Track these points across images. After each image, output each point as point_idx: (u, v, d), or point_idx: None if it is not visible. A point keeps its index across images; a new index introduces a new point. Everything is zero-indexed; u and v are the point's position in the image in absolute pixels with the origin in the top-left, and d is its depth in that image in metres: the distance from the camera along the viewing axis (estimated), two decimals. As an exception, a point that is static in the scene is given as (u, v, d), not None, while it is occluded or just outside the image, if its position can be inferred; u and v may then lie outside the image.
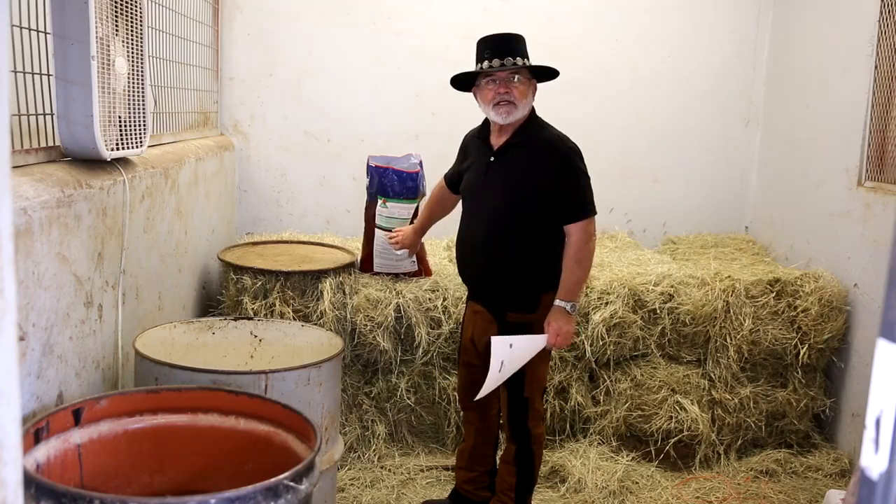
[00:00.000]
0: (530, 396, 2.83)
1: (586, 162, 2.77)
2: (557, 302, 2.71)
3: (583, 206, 2.70)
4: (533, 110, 2.81)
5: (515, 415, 2.85)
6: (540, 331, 2.74)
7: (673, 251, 4.60)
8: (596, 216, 2.74)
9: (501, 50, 2.68)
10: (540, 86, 2.83)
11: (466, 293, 3.11)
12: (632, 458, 3.61)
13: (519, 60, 2.69)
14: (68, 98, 2.04)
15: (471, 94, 2.89)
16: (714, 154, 4.94)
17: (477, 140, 2.92)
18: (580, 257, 2.69)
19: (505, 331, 2.76)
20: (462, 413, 3.17)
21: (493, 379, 2.69)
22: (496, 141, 2.82)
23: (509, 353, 2.66)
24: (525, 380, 2.78)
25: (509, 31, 2.78)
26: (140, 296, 2.67)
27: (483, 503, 3.09)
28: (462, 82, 2.85)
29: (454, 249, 3.28)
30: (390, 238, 3.41)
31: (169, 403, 1.96)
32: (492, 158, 2.80)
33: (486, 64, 2.69)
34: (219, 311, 3.55)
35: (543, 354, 2.79)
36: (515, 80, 2.69)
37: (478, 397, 2.79)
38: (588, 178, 2.75)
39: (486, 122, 2.90)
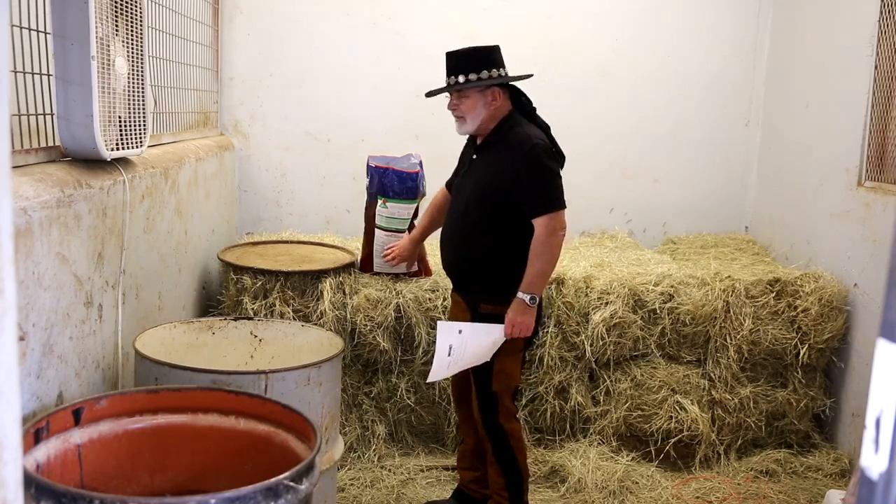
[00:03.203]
0: (499, 391, 2.86)
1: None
2: (518, 294, 2.76)
3: (545, 201, 2.75)
4: (512, 110, 2.88)
5: (485, 409, 2.89)
6: None
7: (673, 251, 4.60)
8: (564, 211, 2.78)
9: (451, 68, 2.83)
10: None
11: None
12: (632, 458, 3.60)
13: (462, 78, 2.80)
14: (68, 98, 2.04)
15: None
16: (714, 154, 4.94)
17: (469, 139, 3.05)
18: (541, 251, 2.74)
19: (478, 321, 2.82)
20: (457, 412, 3.19)
21: (443, 363, 2.74)
22: (480, 140, 2.95)
23: (459, 339, 2.72)
24: (492, 374, 2.83)
25: (463, 47, 2.86)
26: (140, 296, 2.67)
27: (486, 501, 3.09)
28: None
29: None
30: (385, 256, 3.46)
31: (169, 403, 1.96)
32: (474, 156, 2.94)
33: (440, 84, 2.86)
34: (219, 311, 3.54)
35: (512, 351, 2.83)
36: (463, 96, 2.82)
37: (428, 380, 2.87)
38: (555, 173, 2.79)
39: None
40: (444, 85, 2.86)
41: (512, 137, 2.82)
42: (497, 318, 2.79)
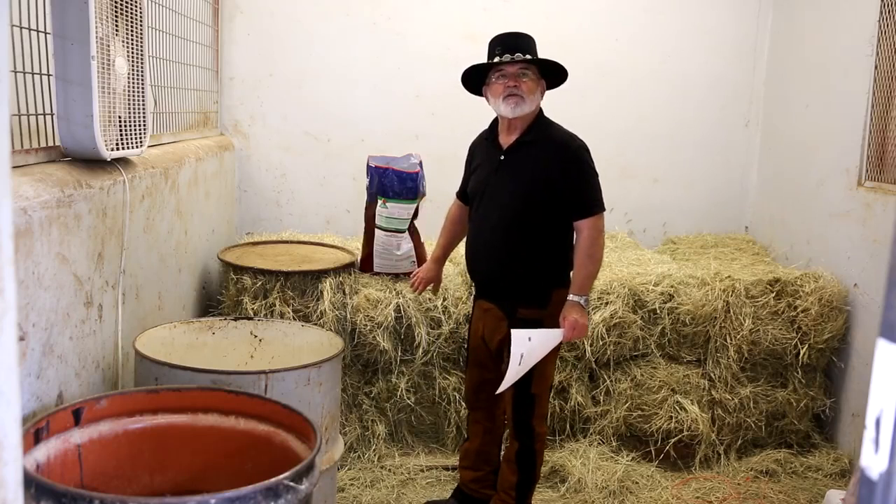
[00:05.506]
0: (538, 394, 2.84)
1: None
2: (571, 297, 2.74)
3: (594, 202, 2.76)
4: (541, 111, 2.86)
5: (521, 411, 2.85)
6: (551, 326, 2.76)
7: (673, 251, 4.60)
8: (605, 213, 2.79)
9: (512, 47, 2.74)
10: None
11: (473, 293, 3.12)
12: (632, 458, 3.61)
13: (528, 56, 2.74)
14: (68, 98, 2.04)
15: (472, 96, 2.93)
16: (714, 154, 4.94)
17: (485, 142, 2.95)
18: (592, 252, 2.74)
19: (516, 326, 2.77)
20: (469, 413, 3.17)
21: (514, 372, 2.71)
22: (505, 140, 2.85)
23: (528, 345, 2.69)
24: (533, 377, 2.79)
25: (520, 31, 2.82)
26: (140, 296, 2.67)
27: (487, 501, 3.09)
28: (472, 84, 2.89)
29: (456, 251, 3.27)
30: (413, 286, 3.22)
31: (169, 403, 1.96)
32: (502, 157, 2.83)
33: (496, 58, 2.75)
34: (219, 311, 3.54)
35: (552, 353, 2.81)
36: (524, 76, 2.74)
37: (499, 391, 2.78)
38: (597, 175, 2.80)
39: (494, 124, 2.94)
40: (488, 63, 2.76)
41: (550, 137, 2.78)
42: (534, 323, 2.75)
